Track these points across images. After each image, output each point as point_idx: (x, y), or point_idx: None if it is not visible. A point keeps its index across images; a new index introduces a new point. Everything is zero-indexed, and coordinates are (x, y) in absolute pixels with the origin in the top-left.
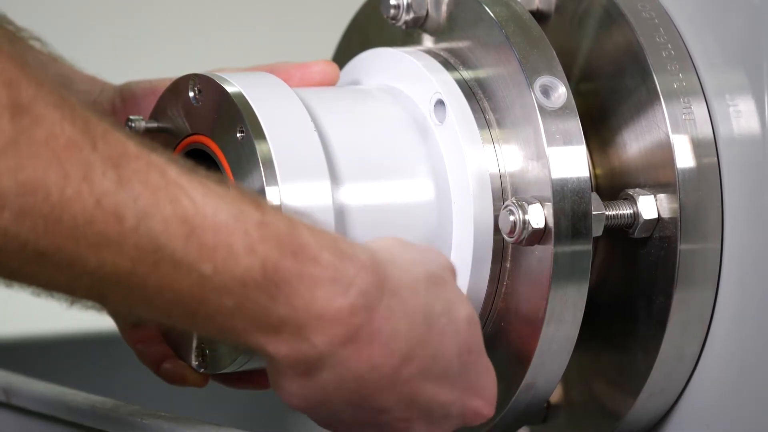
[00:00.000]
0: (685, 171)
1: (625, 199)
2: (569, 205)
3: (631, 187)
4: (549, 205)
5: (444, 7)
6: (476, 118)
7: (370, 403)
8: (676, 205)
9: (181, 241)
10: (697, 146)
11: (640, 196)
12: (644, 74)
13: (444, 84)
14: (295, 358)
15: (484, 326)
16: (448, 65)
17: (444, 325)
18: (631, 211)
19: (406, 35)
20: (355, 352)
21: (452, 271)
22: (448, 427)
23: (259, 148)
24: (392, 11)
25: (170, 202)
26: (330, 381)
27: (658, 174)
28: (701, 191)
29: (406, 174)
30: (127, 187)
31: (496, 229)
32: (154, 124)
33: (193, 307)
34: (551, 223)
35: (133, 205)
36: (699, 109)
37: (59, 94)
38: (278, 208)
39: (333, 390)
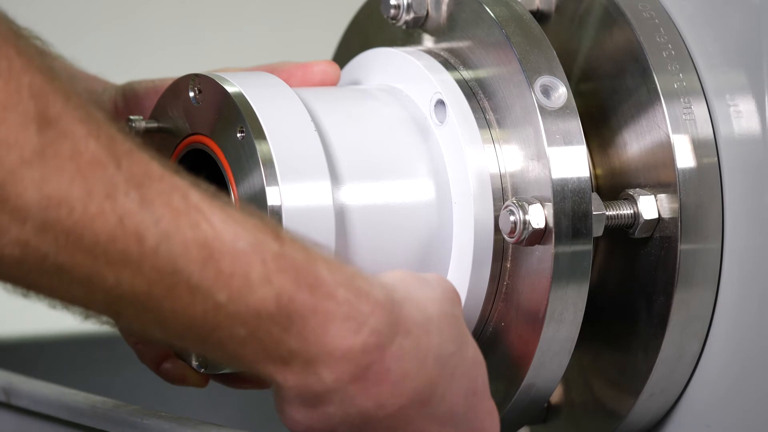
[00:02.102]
0: (685, 171)
1: (626, 199)
2: (569, 205)
3: (632, 187)
4: (549, 206)
5: (444, 7)
6: (476, 118)
7: None
8: (676, 205)
9: (198, 266)
10: (698, 146)
11: (641, 196)
12: (644, 74)
13: (444, 84)
14: (303, 389)
15: (484, 326)
16: (448, 65)
17: (454, 366)
18: (632, 211)
19: (406, 35)
20: (363, 389)
21: (458, 302)
22: None
23: (259, 148)
24: (392, 11)
25: (191, 227)
26: (335, 415)
27: (659, 174)
28: (701, 191)
29: (406, 174)
30: (149, 208)
31: (497, 229)
32: (154, 124)
33: (206, 332)
34: (552, 224)
35: (154, 226)
36: (699, 109)
37: (86, 110)
38: (297, 240)
39: (337, 423)
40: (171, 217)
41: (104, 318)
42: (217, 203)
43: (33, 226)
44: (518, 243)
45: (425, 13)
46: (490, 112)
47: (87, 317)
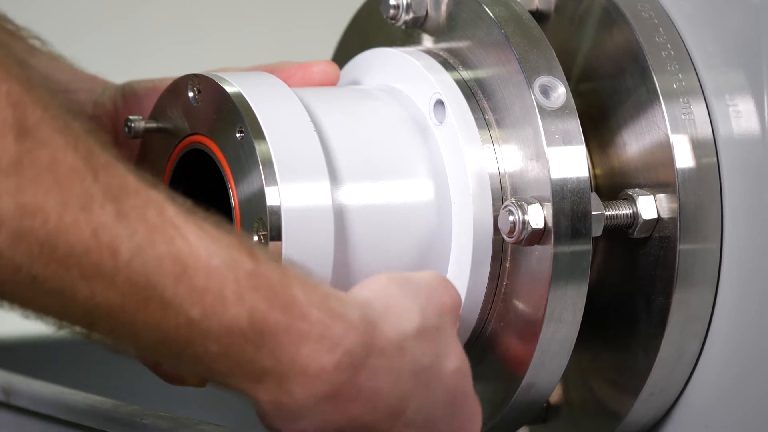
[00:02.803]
0: (684, 171)
1: (625, 199)
2: (569, 205)
3: (631, 187)
4: (548, 205)
5: (443, 7)
6: (476, 118)
7: None
8: (675, 205)
9: (171, 280)
10: (697, 146)
11: (640, 196)
12: (644, 74)
13: (443, 84)
14: (277, 405)
15: (483, 326)
16: (447, 65)
17: (430, 378)
18: (631, 211)
19: (406, 35)
20: (335, 407)
21: (453, 308)
22: None
23: (259, 148)
24: (392, 11)
25: (165, 241)
26: (311, 429)
27: (658, 174)
28: (701, 191)
29: (405, 174)
30: (124, 222)
31: (496, 229)
32: (154, 124)
33: (179, 347)
34: (551, 224)
35: (128, 240)
36: (698, 109)
37: (65, 120)
38: (273, 259)
39: None
40: (146, 231)
41: (77, 329)
42: (192, 219)
43: (7, 236)
44: (517, 243)
45: (424, 13)
46: (490, 112)
47: (60, 328)
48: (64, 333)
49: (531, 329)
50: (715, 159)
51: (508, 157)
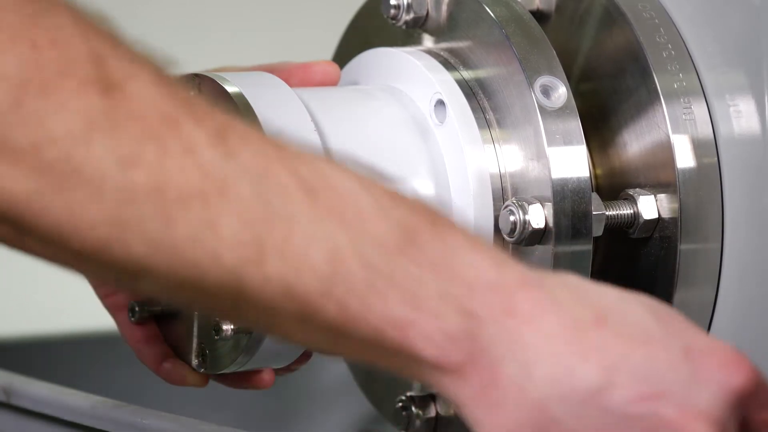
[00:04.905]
0: (685, 171)
1: (626, 199)
2: (569, 205)
3: (632, 187)
4: (549, 206)
5: (444, 7)
6: (476, 118)
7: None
8: (676, 205)
9: (306, 205)
10: (698, 146)
11: (641, 196)
12: (644, 74)
13: (444, 84)
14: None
15: None
16: (448, 65)
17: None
18: (632, 211)
19: (406, 35)
20: (522, 324)
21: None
22: None
23: None
24: (392, 11)
25: (287, 171)
26: (515, 376)
27: (659, 174)
28: (701, 191)
29: (406, 174)
30: (236, 158)
31: (496, 230)
32: None
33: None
34: (551, 224)
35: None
36: (699, 109)
37: (156, 72)
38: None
39: (525, 388)
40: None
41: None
42: (307, 154)
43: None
44: (518, 243)
45: (425, 13)
46: (490, 112)
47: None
48: (63, 333)
49: None
50: (716, 159)
51: (509, 157)
